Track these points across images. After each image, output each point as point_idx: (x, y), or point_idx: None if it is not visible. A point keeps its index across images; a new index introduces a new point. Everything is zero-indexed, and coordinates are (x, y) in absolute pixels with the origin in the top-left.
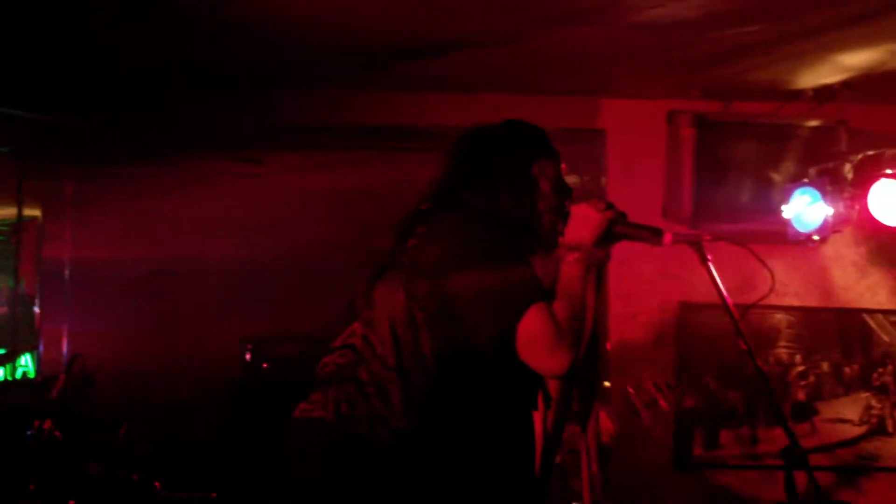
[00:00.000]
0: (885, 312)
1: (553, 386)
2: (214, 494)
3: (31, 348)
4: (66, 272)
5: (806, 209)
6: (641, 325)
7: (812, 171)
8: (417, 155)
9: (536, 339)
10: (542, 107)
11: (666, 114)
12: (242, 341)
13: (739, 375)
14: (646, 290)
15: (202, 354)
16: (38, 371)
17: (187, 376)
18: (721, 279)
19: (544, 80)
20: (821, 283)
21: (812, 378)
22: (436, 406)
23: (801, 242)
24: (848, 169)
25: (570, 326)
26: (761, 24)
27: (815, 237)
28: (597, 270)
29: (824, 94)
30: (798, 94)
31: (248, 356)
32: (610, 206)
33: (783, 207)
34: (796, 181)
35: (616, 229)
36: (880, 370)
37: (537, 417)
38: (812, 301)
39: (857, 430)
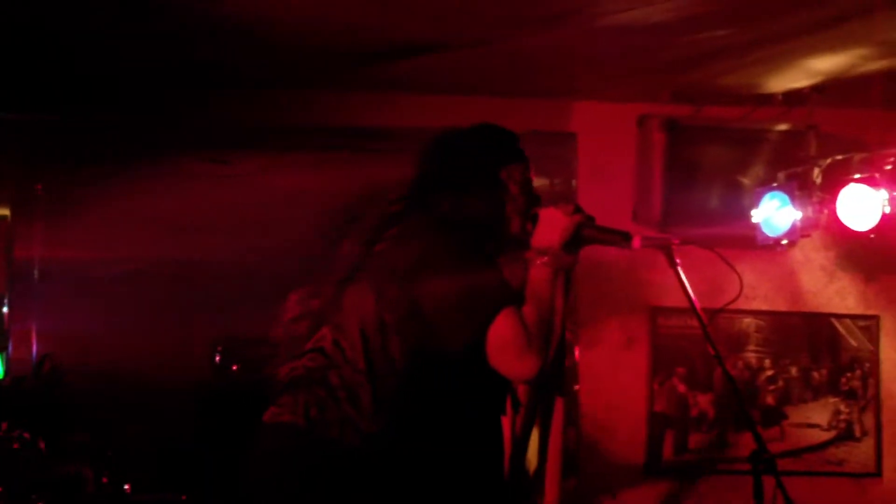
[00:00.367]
0: (853, 317)
1: (521, 390)
2: (184, 497)
3: (0, 349)
4: (36, 272)
5: (775, 213)
6: (611, 329)
7: (781, 175)
8: (387, 156)
9: (506, 344)
10: (512, 109)
11: (637, 117)
12: (213, 343)
13: (709, 379)
14: (615, 293)
15: (172, 356)
16: (6, 371)
17: (157, 378)
18: (690, 283)
19: (515, 83)
20: (789, 288)
21: (781, 383)
22: (406, 410)
23: (770, 247)
24: (817, 173)
25: (539, 331)
26: (731, 28)
27: (784, 241)
28: (565, 274)
29: (794, 98)
30: (768, 99)
31: (217, 358)
32: (578, 210)
33: (752, 211)
34: (766, 185)
35: (584, 233)
36: (848, 375)
37: (506, 422)
38: (781, 305)
39: (826, 435)
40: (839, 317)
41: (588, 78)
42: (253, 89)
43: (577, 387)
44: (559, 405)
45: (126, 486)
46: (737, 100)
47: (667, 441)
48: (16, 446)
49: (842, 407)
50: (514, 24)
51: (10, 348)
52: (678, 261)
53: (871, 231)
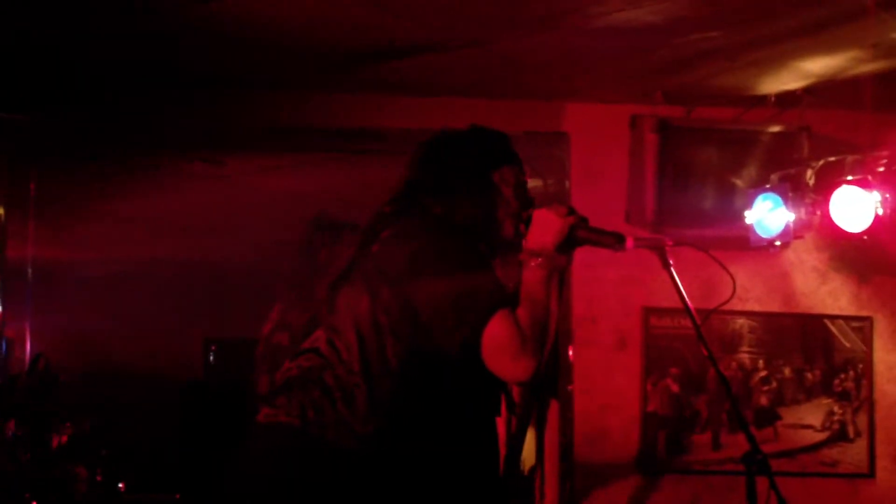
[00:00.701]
0: (847, 318)
1: (516, 391)
2: (178, 496)
3: None
4: (29, 272)
5: (768, 215)
6: (604, 329)
7: (774, 176)
8: (379, 158)
9: (501, 347)
10: (505, 110)
11: (629, 118)
12: (206, 342)
13: (703, 380)
14: (608, 294)
15: (166, 355)
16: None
17: (151, 377)
18: (683, 284)
19: (507, 84)
20: (782, 289)
21: (774, 383)
22: (401, 411)
23: (763, 248)
24: (810, 175)
25: (534, 333)
26: (724, 29)
27: (777, 243)
28: (559, 275)
29: (787, 100)
30: (761, 100)
31: (211, 357)
32: (572, 212)
33: (745, 213)
34: (758, 187)
35: (578, 234)
36: (842, 376)
37: (500, 423)
38: (774, 307)
39: (819, 436)
40: (832, 318)
41: (581, 79)
42: (246, 90)
43: (570, 387)
44: (554, 406)
45: (120, 485)
46: (729, 101)
47: (660, 441)
48: (9, 443)
49: (835, 408)
50: (507, 25)
51: (3, 348)
52: (671, 261)
53: (863, 232)
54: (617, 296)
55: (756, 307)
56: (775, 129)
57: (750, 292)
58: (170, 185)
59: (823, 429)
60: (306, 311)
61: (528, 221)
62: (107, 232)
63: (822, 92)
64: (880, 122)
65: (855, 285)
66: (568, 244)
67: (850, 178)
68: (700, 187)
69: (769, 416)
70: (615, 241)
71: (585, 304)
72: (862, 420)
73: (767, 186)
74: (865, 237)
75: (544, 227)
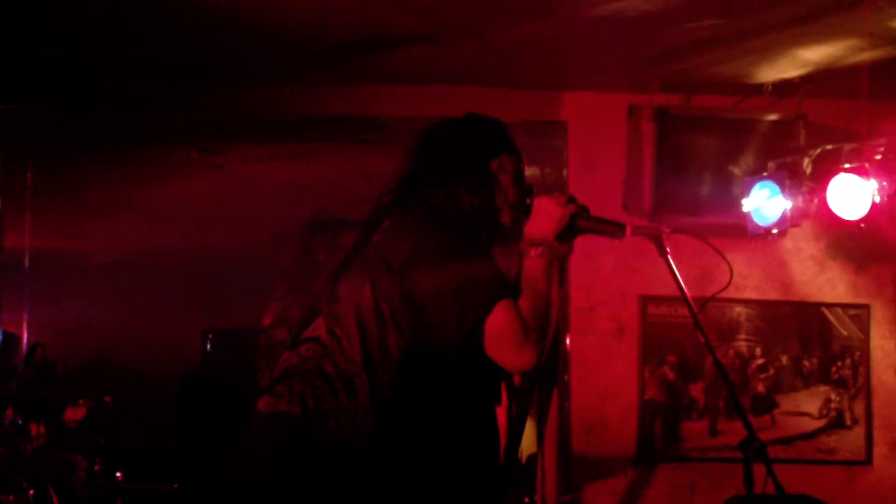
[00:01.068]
0: (844, 306)
1: (517, 379)
2: (176, 485)
3: None
4: (26, 262)
5: (765, 203)
6: (602, 317)
7: (771, 164)
8: (376, 147)
9: (503, 336)
10: (503, 99)
11: (627, 107)
12: (203, 332)
13: (700, 368)
14: (606, 282)
15: (163, 345)
16: None
17: (148, 366)
18: (680, 272)
19: (505, 73)
20: (780, 277)
21: (772, 371)
22: (401, 401)
23: (761, 236)
24: (807, 163)
25: (535, 322)
26: (721, 18)
27: (774, 231)
28: (559, 264)
29: (784, 88)
30: (758, 89)
31: (208, 346)
32: (572, 200)
33: (743, 201)
34: (756, 175)
35: (578, 223)
36: (839, 363)
37: (501, 412)
38: (771, 294)
39: (817, 424)
40: (830, 306)
41: (578, 68)
42: (242, 81)
43: (567, 376)
44: (555, 394)
45: (118, 475)
46: (727, 90)
47: (658, 429)
48: (9, 432)
49: (832, 395)
50: (505, 14)
51: (0, 336)
52: (668, 250)
53: (861, 220)
54: (614, 284)
55: (753, 295)
56: (772, 117)
57: (747, 280)
58: (167, 175)
59: (821, 416)
60: (304, 306)
61: (527, 210)
62: (104, 222)
63: (819, 80)
64: (877, 110)
65: (852, 273)
66: (568, 233)
67: (847, 166)
68: (697, 175)
69: (766, 404)
70: (616, 229)
71: (583, 293)
72: (859, 407)
73: (764, 175)
74: (862, 225)
75: (545, 216)
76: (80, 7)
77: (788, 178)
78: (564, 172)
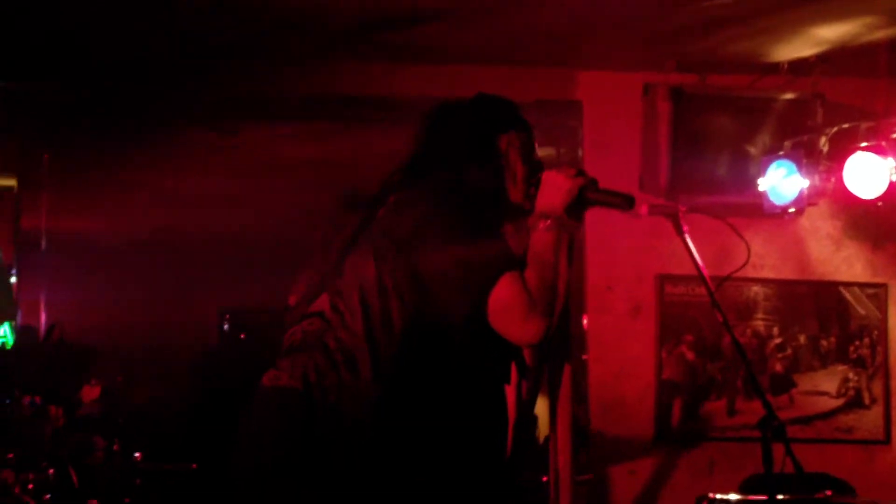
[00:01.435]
0: (861, 285)
1: (528, 355)
2: (195, 465)
3: (9, 318)
4: (43, 242)
5: (781, 182)
6: (619, 297)
7: (787, 143)
8: (390, 126)
9: (509, 308)
10: (517, 78)
11: (642, 86)
12: (220, 312)
13: (718, 347)
14: (623, 261)
15: (180, 325)
16: (15, 340)
17: (165, 346)
18: (697, 251)
19: (519, 52)
20: (797, 256)
21: (789, 350)
22: (404, 378)
23: (777, 215)
24: (823, 142)
25: (542, 294)
26: None
27: (791, 210)
28: (569, 238)
29: (800, 67)
30: (774, 67)
31: (226, 326)
32: (581, 173)
33: (759, 180)
34: (772, 154)
35: (588, 195)
36: (857, 343)
37: (510, 391)
38: (788, 274)
39: (835, 403)
40: (847, 285)
41: (593, 47)
42: (255, 60)
43: (585, 356)
44: (566, 372)
45: (136, 455)
46: (742, 69)
47: (676, 408)
48: (27, 413)
49: (850, 375)
50: None
51: (18, 317)
52: (686, 228)
53: (878, 199)
54: (631, 263)
55: (770, 274)
56: (789, 96)
57: (764, 259)
58: (183, 154)
59: (839, 395)
60: (314, 282)
61: (537, 185)
62: (120, 202)
63: (835, 59)
64: (894, 88)
65: (869, 252)
66: (578, 206)
67: (864, 144)
68: (713, 154)
69: (784, 383)
70: (625, 202)
71: (599, 272)
72: (877, 387)
73: (781, 153)
74: (880, 204)
75: (553, 189)
76: None
77: (805, 156)
78: (580, 152)
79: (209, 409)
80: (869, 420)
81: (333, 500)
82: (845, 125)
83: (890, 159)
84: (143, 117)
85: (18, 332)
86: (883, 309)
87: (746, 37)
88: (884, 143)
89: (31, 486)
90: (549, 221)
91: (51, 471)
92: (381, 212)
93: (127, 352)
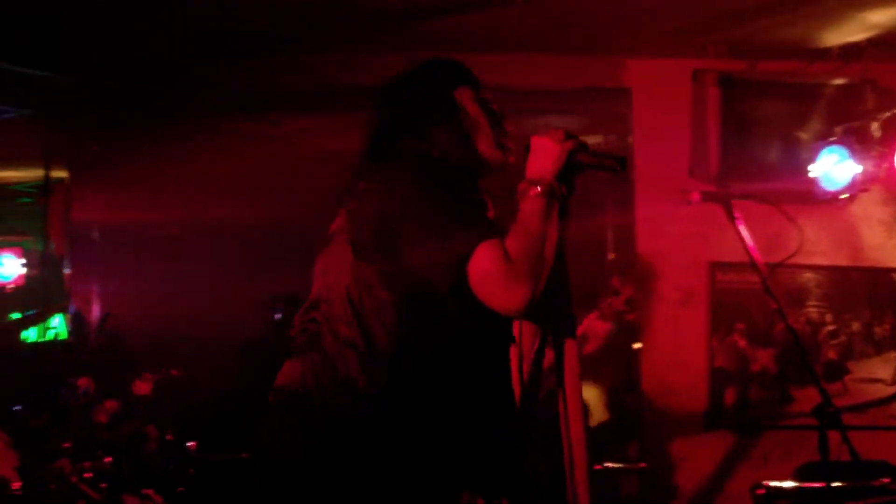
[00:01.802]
0: None
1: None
2: (245, 455)
3: (62, 309)
4: (96, 233)
5: (834, 168)
6: (670, 285)
7: (839, 129)
8: None
9: (489, 275)
10: (567, 66)
11: (691, 72)
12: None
13: (769, 335)
14: (674, 249)
15: (231, 314)
16: (69, 331)
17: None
18: (749, 238)
19: (569, 40)
20: (849, 242)
21: (843, 337)
22: (401, 366)
23: (829, 201)
24: (875, 127)
25: (524, 262)
26: None
27: (843, 196)
28: (558, 204)
29: (850, 52)
30: (824, 53)
31: (278, 316)
32: (570, 136)
33: (810, 166)
34: (823, 140)
35: (578, 159)
36: None
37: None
38: (841, 260)
39: (890, 390)
40: None
41: (642, 33)
42: (296, 52)
43: (637, 345)
44: (573, 350)
45: (190, 444)
46: (792, 54)
47: (728, 396)
48: (82, 402)
49: None
50: None
51: (72, 308)
52: (737, 215)
53: None
54: (682, 251)
55: (823, 261)
56: (839, 81)
57: (816, 246)
58: (233, 146)
59: (894, 383)
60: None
61: (505, 133)
62: (171, 193)
63: (886, 43)
64: None
65: None
66: (568, 171)
67: None
68: (763, 141)
69: (838, 371)
70: (617, 163)
71: (651, 260)
72: None
73: (832, 139)
74: None
75: (542, 155)
76: None
77: (857, 142)
78: (629, 139)
79: (261, 399)
80: None
81: (340, 498)
82: None
83: None
84: (191, 109)
85: (71, 323)
86: None
87: (796, 22)
88: None
89: (87, 476)
90: (538, 188)
91: (107, 459)
92: (353, 204)
93: (179, 341)
